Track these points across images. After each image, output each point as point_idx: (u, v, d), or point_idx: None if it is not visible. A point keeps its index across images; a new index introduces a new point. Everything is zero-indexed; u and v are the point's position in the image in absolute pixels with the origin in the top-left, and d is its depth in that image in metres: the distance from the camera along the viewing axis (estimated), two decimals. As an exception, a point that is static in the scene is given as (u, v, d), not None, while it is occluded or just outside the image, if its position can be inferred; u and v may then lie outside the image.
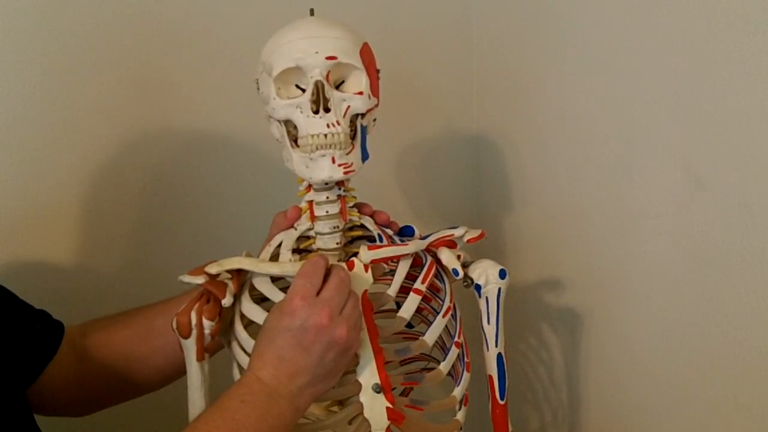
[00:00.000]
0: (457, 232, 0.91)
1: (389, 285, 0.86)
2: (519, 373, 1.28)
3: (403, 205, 1.36)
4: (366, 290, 0.84)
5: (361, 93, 0.82)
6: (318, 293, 0.77)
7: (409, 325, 0.89)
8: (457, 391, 0.88)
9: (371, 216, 0.90)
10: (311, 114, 0.80)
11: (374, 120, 0.87)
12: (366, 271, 0.85)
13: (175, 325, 0.82)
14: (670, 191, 1.00)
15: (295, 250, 0.87)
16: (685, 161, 0.97)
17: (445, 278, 0.91)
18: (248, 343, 0.82)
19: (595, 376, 1.17)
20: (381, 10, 1.26)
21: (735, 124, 0.90)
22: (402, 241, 0.89)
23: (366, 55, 0.83)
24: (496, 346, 0.91)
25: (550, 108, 1.21)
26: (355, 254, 0.86)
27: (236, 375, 0.85)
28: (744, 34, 0.88)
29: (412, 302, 0.85)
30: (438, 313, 0.88)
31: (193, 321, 0.82)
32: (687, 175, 0.97)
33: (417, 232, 0.92)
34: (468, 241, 0.91)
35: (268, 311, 0.82)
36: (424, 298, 0.87)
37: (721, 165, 0.92)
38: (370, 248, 0.85)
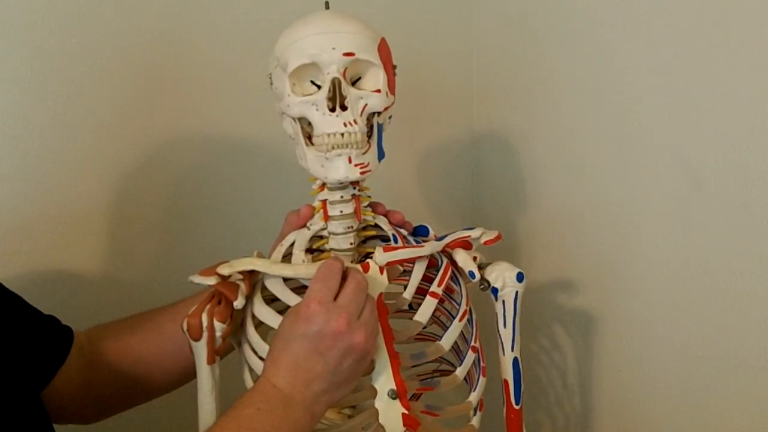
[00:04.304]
0: (474, 234, 0.89)
1: (404, 285, 0.84)
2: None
3: (402, 206, 1.35)
4: (381, 293, 0.82)
5: (378, 90, 0.80)
6: (335, 297, 0.75)
7: (422, 326, 0.88)
8: (473, 397, 0.86)
9: (385, 215, 0.88)
10: (327, 112, 0.78)
11: (390, 118, 0.85)
12: (381, 273, 0.83)
13: (185, 327, 0.80)
14: (674, 190, 1.00)
15: (308, 250, 0.85)
16: (686, 160, 0.97)
17: (460, 280, 0.89)
18: (260, 346, 0.81)
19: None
20: (380, 9, 1.25)
21: (738, 124, 0.90)
22: (417, 241, 0.87)
23: (383, 51, 0.81)
24: (512, 350, 0.89)
25: (550, 108, 1.21)
26: (369, 255, 0.84)
27: (247, 378, 0.83)
28: (745, 34, 0.88)
29: (428, 306, 0.83)
30: (452, 316, 0.86)
31: (204, 323, 0.80)
32: (689, 173, 0.97)
33: (432, 233, 0.90)
34: (484, 242, 0.89)
35: (278, 310, 0.81)
36: (439, 301, 0.85)
37: (722, 165, 0.93)
38: (385, 250, 0.82)
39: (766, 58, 0.86)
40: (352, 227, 0.84)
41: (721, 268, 0.95)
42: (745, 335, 0.93)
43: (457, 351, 0.88)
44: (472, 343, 0.87)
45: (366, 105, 0.79)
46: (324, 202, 0.84)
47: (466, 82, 1.39)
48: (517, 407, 0.90)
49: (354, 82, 0.80)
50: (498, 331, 0.90)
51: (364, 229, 0.87)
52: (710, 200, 0.95)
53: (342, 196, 0.83)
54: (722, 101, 0.91)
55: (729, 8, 0.89)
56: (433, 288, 0.85)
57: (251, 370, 0.82)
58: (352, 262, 0.84)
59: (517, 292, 0.89)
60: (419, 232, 0.91)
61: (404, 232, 0.88)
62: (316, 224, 0.85)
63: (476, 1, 1.36)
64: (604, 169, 1.10)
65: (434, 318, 0.87)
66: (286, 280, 0.82)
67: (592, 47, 1.10)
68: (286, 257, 0.85)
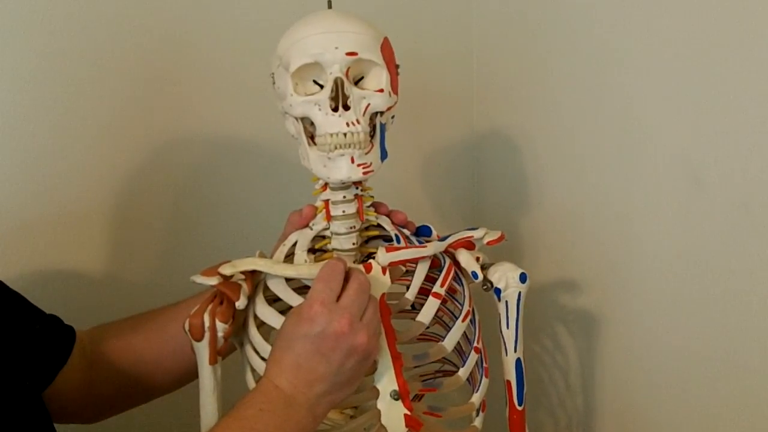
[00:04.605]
0: (477, 234, 0.88)
1: (406, 286, 0.84)
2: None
3: (404, 206, 1.36)
4: (384, 294, 0.82)
5: (381, 90, 0.80)
6: (338, 298, 0.75)
7: (424, 327, 0.87)
8: (476, 398, 0.86)
9: (388, 215, 0.88)
10: (330, 111, 0.77)
11: (392, 117, 0.84)
12: (384, 273, 0.82)
13: (187, 328, 0.80)
14: (674, 190, 1.00)
15: (311, 250, 0.85)
16: (686, 160, 0.97)
17: (463, 280, 0.88)
18: (262, 346, 0.80)
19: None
20: (380, 9, 1.25)
21: (738, 124, 0.90)
22: (420, 241, 0.87)
23: (386, 50, 0.81)
24: (515, 350, 0.89)
25: (550, 108, 1.21)
26: (372, 255, 0.84)
27: (249, 378, 0.83)
28: (745, 34, 0.88)
29: (431, 307, 0.83)
30: (455, 317, 0.86)
31: (206, 323, 0.79)
32: (689, 173, 0.97)
33: (434, 233, 0.90)
34: (488, 243, 0.89)
35: (281, 310, 0.81)
36: (442, 301, 0.85)
37: (722, 165, 0.93)
38: (388, 250, 0.82)
39: (766, 58, 0.86)
40: (354, 227, 0.84)
41: (721, 268, 0.95)
42: (745, 335, 0.94)
43: (460, 352, 0.88)
44: (475, 344, 0.86)
45: (369, 105, 0.79)
46: (326, 202, 0.84)
47: (466, 82, 1.39)
48: (519, 408, 0.90)
49: (357, 82, 0.80)
50: (501, 332, 0.90)
51: (367, 229, 0.87)
52: (710, 200, 0.95)
53: (344, 196, 0.83)
54: (722, 101, 0.92)
55: (729, 8, 0.89)
56: (436, 288, 0.84)
57: (253, 370, 0.82)
58: (354, 262, 0.84)
59: (520, 293, 0.89)
60: (422, 233, 0.90)
61: (407, 232, 0.88)
62: (319, 224, 0.85)
63: (476, 1, 1.36)
64: (605, 169, 1.10)
65: (437, 318, 0.87)
66: (288, 280, 0.82)
67: (592, 47, 1.10)
68: (289, 257, 0.84)
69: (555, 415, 1.25)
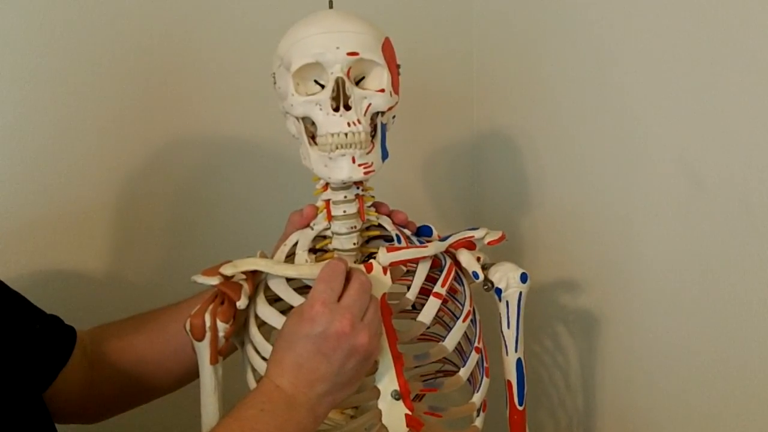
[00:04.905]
0: (478, 234, 0.88)
1: (407, 286, 0.84)
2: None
3: (404, 206, 1.36)
4: (384, 294, 0.82)
5: (382, 90, 0.79)
6: (339, 298, 0.75)
7: (424, 327, 0.87)
8: (476, 398, 0.86)
9: (388, 215, 0.88)
10: (331, 111, 0.77)
11: (393, 117, 0.84)
12: (384, 273, 0.82)
13: (188, 327, 0.80)
14: (674, 190, 1.00)
15: (311, 250, 0.85)
16: (686, 160, 0.97)
17: (463, 280, 0.89)
18: (263, 346, 0.80)
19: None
20: (381, 9, 1.25)
21: (738, 124, 0.90)
22: (420, 241, 0.87)
23: (387, 50, 0.81)
24: (516, 351, 0.89)
25: (550, 108, 1.21)
26: (373, 255, 0.84)
27: (250, 378, 0.83)
28: (745, 35, 0.88)
29: (431, 307, 0.83)
30: (456, 317, 0.86)
31: (207, 323, 0.79)
32: (689, 173, 0.97)
33: (435, 233, 0.90)
34: (488, 243, 0.89)
35: (282, 310, 0.81)
36: (443, 301, 0.85)
37: (722, 165, 0.93)
38: (389, 250, 0.82)
39: (766, 58, 0.86)
40: (355, 227, 0.84)
41: (721, 268, 0.95)
42: (746, 335, 0.94)
43: (461, 352, 0.88)
44: (476, 344, 0.86)
45: (370, 105, 0.79)
46: (327, 201, 0.84)
47: (466, 82, 1.39)
48: (520, 408, 0.90)
49: (358, 82, 0.80)
50: (501, 332, 0.90)
51: (368, 229, 0.87)
52: (710, 200, 0.95)
53: (345, 196, 0.83)
54: (722, 101, 0.91)
55: (729, 8, 0.89)
56: (437, 288, 0.84)
57: (254, 370, 0.82)
58: (355, 262, 0.84)
59: (520, 293, 0.88)
60: (423, 233, 0.90)
61: (408, 232, 0.88)
62: (320, 224, 0.85)
63: (476, 1, 1.36)
64: (605, 169, 1.11)
65: (438, 318, 0.87)
66: (289, 280, 0.82)
67: (592, 47, 1.10)
68: (290, 257, 0.84)
69: (555, 415, 1.25)
